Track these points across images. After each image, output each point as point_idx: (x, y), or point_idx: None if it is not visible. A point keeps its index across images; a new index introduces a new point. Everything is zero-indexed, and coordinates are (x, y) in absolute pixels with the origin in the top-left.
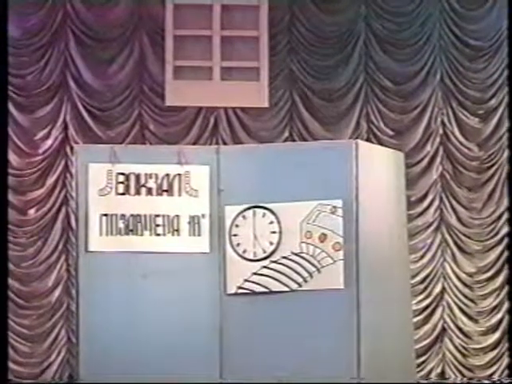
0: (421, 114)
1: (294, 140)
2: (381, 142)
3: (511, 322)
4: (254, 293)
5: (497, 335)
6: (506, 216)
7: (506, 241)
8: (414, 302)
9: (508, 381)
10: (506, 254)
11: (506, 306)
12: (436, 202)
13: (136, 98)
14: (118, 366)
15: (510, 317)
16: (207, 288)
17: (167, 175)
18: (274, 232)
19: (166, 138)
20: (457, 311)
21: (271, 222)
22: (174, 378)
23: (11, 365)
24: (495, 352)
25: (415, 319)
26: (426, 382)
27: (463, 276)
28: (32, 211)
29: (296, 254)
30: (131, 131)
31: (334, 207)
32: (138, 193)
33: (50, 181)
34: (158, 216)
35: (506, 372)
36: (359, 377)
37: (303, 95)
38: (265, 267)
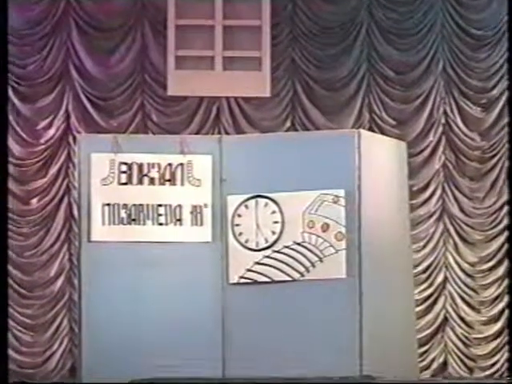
0: (423, 103)
1: (296, 130)
2: (383, 132)
3: (511, 316)
4: (256, 282)
5: (499, 325)
6: (508, 206)
7: (508, 230)
8: (416, 291)
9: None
10: (508, 243)
11: (507, 295)
12: (438, 192)
13: (138, 87)
14: (119, 355)
15: (510, 311)
16: (209, 277)
17: (170, 165)
18: (276, 222)
19: (169, 127)
20: (459, 301)
21: (273, 212)
22: (177, 368)
23: (13, 354)
24: (497, 342)
25: (417, 309)
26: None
27: (465, 266)
28: (34, 201)
29: (298, 244)
30: (133, 121)
31: (337, 197)
32: (140, 182)
33: (53, 170)
34: (160, 206)
35: (507, 364)
36: (361, 365)
37: (305, 85)
38: (267, 257)
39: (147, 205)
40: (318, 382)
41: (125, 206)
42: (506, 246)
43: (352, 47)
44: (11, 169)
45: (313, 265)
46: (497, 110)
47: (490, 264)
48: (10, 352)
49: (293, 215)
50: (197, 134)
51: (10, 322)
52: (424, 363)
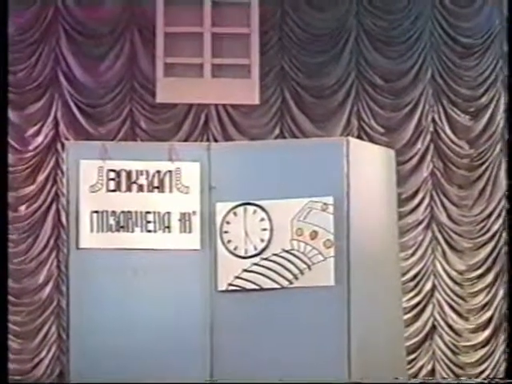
0: (412, 111)
1: (284, 137)
2: (371, 140)
3: (511, 317)
4: (244, 290)
5: (487, 333)
6: (496, 213)
7: (496, 238)
8: (405, 299)
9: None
10: (496, 251)
11: (496, 303)
12: (426, 200)
13: (127, 94)
14: (108, 362)
15: (510, 312)
16: (198, 285)
17: (158, 172)
18: (264, 229)
19: (157, 134)
20: (447, 309)
21: (262, 219)
22: (165, 375)
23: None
24: (485, 349)
25: (405, 316)
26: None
27: (453, 274)
28: (23, 208)
29: (287, 251)
30: (122, 128)
31: (325, 204)
32: (128, 189)
33: (41, 177)
34: (148, 213)
35: (496, 370)
36: (349, 372)
37: (294, 92)
38: (256, 264)
39: (136, 212)
40: None
41: (113, 213)
42: (494, 254)
43: (341, 55)
44: None
45: (301, 272)
46: (485, 118)
47: (479, 272)
48: None
49: (281, 223)
50: (185, 141)
51: None
52: (412, 370)
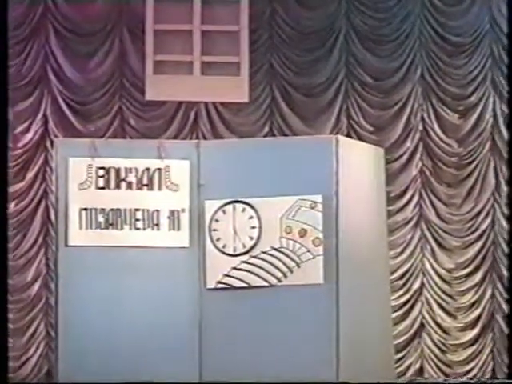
0: (401, 109)
1: (274, 135)
2: (361, 138)
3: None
4: (233, 288)
5: (475, 331)
6: (485, 212)
7: (485, 237)
8: (393, 297)
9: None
10: (485, 250)
11: (484, 301)
12: (415, 198)
13: (116, 92)
14: (96, 360)
15: (510, 313)
16: (187, 282)
17: (147, 169)
18: (253, 227)
19: (147, 132)
20: (435, 307)
21: (251, 217)
22: (154, 374)
23: None
24: (473, 348)
25: (394, 315)
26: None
27: (442, 272)
28: (12, 205)
29: (276, 249)
30: (111, 125)
31: (314, 202)
32: (117, 187)
33: (30, 174)
34: (137, 210)
35: (484, 368)
36: (338, 371)
37: (283, 90)
38: (244, 262)
39: (125, 209)
40: None
41: (102, 210)
42: (482, 253)
43: (330, 53)
44: None
45: (290, 270)
46: (474, 117)
47: (467, 270)
48: None
49: (270, 220)
50: (175, 138)
51: None
52: (400, 369)
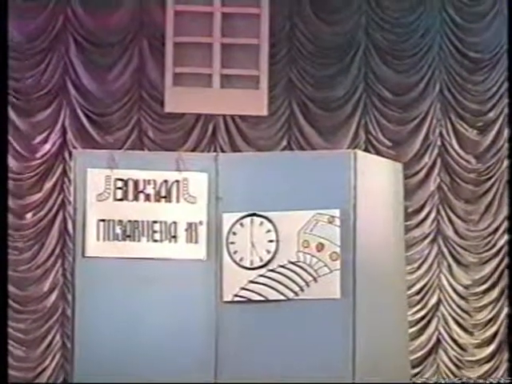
0: (419, 125)
1: (291, 149)
2: (379, 153)
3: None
4: (250, 301)
5: (492, 348)
6: (503, 228)
7: (502, 253)
8: (410, 313)
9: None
10: (502, 266)
11: (501, 318)
12: (433, 214)
13: (135, 103)
14: (112, 371)
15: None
16: (203, 295)
17: (165, 181)
18: (271, 240)
19: (165, 144)
20: (452, 323)
21: (268, 231)
22: None
23: None
24: (490, 364)
25: (410, 330)
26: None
27: (459, 288)
28: (29, 215)
29: (293, 263)
30: (130, 137)
31: (332, 217)
32: (135, 199)
33: (48, 185)
34: (155, 222)
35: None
36: None
37: (302, 104)
38: (261, 275)
39: (142, 221)
40: None
41: (120, 222)
42: (500, 269)
43: (349, 68)
44: None
45: (307, 284)
46: (493, 133)
47: (484, 287)
48: None
49: (288, 234)
50: (193, 151)
51: None
52: None
